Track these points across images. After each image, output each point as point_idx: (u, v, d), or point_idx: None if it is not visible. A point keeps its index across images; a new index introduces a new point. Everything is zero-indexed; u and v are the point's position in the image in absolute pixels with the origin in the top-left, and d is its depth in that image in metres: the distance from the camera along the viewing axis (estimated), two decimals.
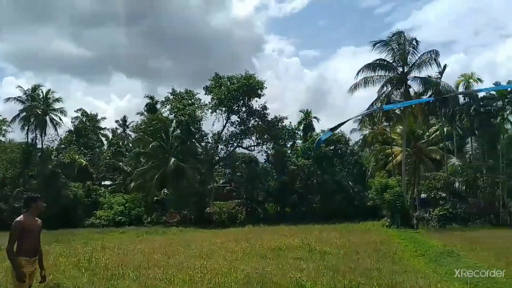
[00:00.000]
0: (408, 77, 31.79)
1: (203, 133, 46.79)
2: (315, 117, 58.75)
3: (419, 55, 31.61)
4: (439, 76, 33.13)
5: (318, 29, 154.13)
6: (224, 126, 46.81)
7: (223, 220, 38.73)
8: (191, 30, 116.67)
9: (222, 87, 44.49)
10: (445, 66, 34.38)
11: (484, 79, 34.13)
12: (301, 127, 56.34)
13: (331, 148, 45.77)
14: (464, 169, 33.38)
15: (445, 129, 37.83)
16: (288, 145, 49.00)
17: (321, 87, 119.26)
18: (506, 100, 32.01)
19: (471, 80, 32.90)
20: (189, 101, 45.30)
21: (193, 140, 45.53)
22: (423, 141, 38.61)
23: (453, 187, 33.44)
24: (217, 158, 48.00)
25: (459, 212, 30.83)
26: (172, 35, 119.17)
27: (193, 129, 44.70)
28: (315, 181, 44.41)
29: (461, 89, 33.50)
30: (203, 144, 47.74)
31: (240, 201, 43.00)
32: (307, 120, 57.81)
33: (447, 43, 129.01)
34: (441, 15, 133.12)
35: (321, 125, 58.72)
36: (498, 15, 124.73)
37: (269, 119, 46.13)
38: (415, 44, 31.75)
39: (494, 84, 34.98)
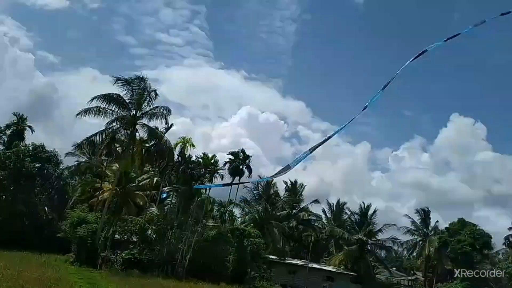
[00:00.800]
0: (138, 121, 32.94)
1: None
2: (29, 126, 51.54)
3: (153, 106, 33.35)
4: (165, 131, 36.20)
5: (69, 41, 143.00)
6: None
7: None
8: None
9: None
10: (171, 125, 37.92)
11: (198, 146, 39.61)
12: (8, 131, 48.24)
13: (37, 165, 40.94)
14: (159, 219, 36.26)
15: (155, 179, 40.83)
16: None
17: (50, 97, 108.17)
18: (207, 170, 37.91)
19: (187, 144, 37.49)
20: None
21: None
22: (133, 184, 40.22)
23: (145, 233, 35.52)
24: None
25: (143, 259, 32.86)
26: None
27: None
28: (3, 197, 38.07)
29: (177, 150, 37.48)
30: None
31: None
32: (19, 126, 50.04)
33: (180, 106, 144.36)
34: (183, 80, 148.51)
35: (34, 137, 51.59)
36: (222, 100, 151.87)
37: None
38: (154, 95, 33.48)
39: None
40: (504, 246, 58.97)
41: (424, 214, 57.20)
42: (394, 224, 55.83)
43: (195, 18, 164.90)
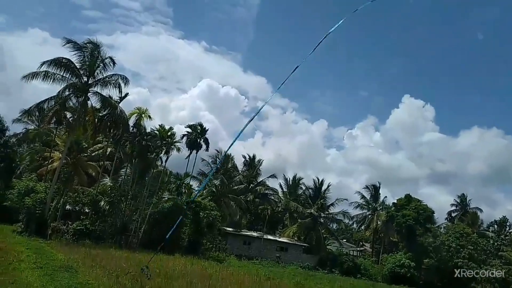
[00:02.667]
0: (90, 89, 31.43)
1: None
2: None
3: (109, 74, 31.69)
4: (119, 100, 35.05)
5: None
6: None
7: None
8: None
9: None
10: (126, 94, 36.85)
11: (155, 118, 38.77)
12: None
13: None
14: (112, 190, 35.56)
15: (109, 149, 39.71)
16: None
17: None
18: (163, 142, 37.37)
19: (143, 115, 36.52)
20: None
21: None
22: (85, 154, 38.98)
23: (98, 205, 34.85)
24: None
25: (96, 229, 32.37)
26: None
27: None
28: None
29: (132, 120, 36.40)
30: None
31: None
32: None
33: (136, 74, 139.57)
34: (140, 49, 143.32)
35: None
36: (181, 71, 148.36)
37: None
38: (110, 62, 31.69)
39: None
40: (446, 221, 63.43)
41: (374, 190, 59.97)
42: (346, 199, 58.14)
43: None
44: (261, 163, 58.13)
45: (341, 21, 13.07)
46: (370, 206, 59.74)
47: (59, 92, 30.42)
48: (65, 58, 30.50)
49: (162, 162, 40.01)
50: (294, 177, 60.83)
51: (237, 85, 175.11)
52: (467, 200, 65.23)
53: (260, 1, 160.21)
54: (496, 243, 56.35)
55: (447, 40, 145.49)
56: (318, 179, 56.87)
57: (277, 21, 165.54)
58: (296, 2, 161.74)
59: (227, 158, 53.97)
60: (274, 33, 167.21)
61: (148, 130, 37.83)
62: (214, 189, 47.83)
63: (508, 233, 59.60)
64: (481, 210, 63.63)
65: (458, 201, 65.79)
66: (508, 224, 60.10)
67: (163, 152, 38.16)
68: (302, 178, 60.81)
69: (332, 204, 54.90)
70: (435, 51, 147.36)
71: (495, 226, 61.23)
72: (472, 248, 46.14)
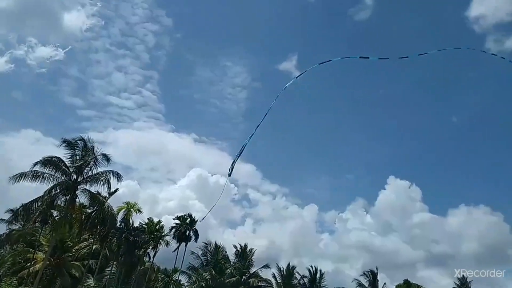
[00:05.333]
0: (79, 186, 31.44)
1: None
2: None
3: (101, 170, 31.77)
4: (108, 196, 34.96)
5: (11, 102, 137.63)
6: None
7: None
8: None
9: None
10: (116, 190, 36.87)
11: (144, 211, 38.23)
12: None
13: None
14: None
15: (94, 247, 38.43)
16: None
17: None
18: (152, 236, 36.58)
19: (132, 209, 36.18)
20: None
21: None
22: (70, 254, 37.60)
23: None
24: None
25: None
26: None
27: None
28: None
29: (120, 215, 35.99)
30: None
31: None
32: None
33: (127, 168, 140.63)
34: (132, 143, 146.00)
35: None
36: (172, 163, 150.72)
37: None
38: (106, 160, 31.90)
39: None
40: None
41: (372, 276, 57.62)
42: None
43: (147, 83, 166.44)
44: (253, 252, 56.23)
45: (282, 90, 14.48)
46: None
47: (46, 191, 30.39)
48: (55, 156, 31.05)
49: (150, 258, 38.66)
50: (288, 266, 58.43)
51: (226, 174, 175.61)
52: (468, 283, 62.77)
53: (247, 95, 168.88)
54: None
55: (427, 122, 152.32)
56: (313, 267, 54.87)
57: (264, 113, 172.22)
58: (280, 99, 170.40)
59: (218, 249, 52.29)
60: (261, 123, 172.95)
61: (137, 224, 37.22)
62: (204, 284, 45.56)
63: None
64: None
65: (459, 283, 63.22)
66: None
67: (151, 247, 37.08)
68: (296, 267, 58.47)
69: None
70: (417, 133, 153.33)
71: None
72: None
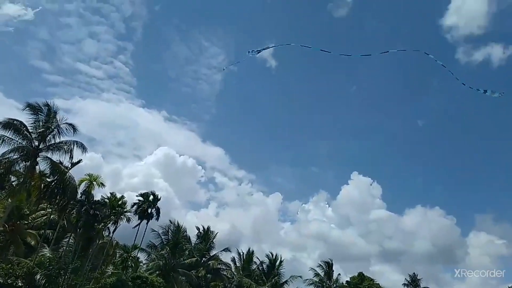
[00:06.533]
0: (40, 154, 30.35)
1: None
2: None
3: (64, 139, 30.77)
4: (70, 166, 33.89)
5: None
6: None
7: None
8: None
9: None
10: (79, 161, 35.72)
11: (106, 184, 37.27)
12: None
13: None
14: (51, 263, 32.92)
15: (51, 217, 37.40)
16: None
17: None
18: (113, 211, 35.91)
19: (94, 182, 35.30)
20: None
21: None
22: (26, 222, 36.45)
23: (33, 278, 31.98)
24: None
25: None
26: None
27: None
28: None
29: (82, 187, 35.05)
30: None
31: None
32: None
33: (92, 140, 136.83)
34: (99, 114, 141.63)
35: None
36: (140, 139, 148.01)
37: None
38: (72, 129, 30.85)
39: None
40: None
41: (328, 267, 59.27)
42: (300, 276, 56.85)
43: (120, 54, 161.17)
44: (215, 235, 56.50)
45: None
46: (324, 284, 58.54)
47: (3, 153, 29.17)
48: (17, 120, 29.77)
49: (109, 233, 38.02)
50: (248, 250, 59.20)
51: (195, 155, 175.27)
52: (418, 280, 65.72)
53: (222, 77, 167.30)
54: None
55: (395, 123, 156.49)
56: (272, 254, 55.82)
57: (238, 97, 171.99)
58: (256, 82, 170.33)
59: (179, 228, 52.09)
60: (234, 108, 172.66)
61: (98, 198, 36.40)
62: (161, 262, 45.40)
63: None
64: None
65: (409, 280, 66.10)
66: None
67: (111, 222, 36.46)
68: (255, 252, 59.35)
69: (286, 282, 53.43)
70: (384, 133, 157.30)
71: None
72: None
